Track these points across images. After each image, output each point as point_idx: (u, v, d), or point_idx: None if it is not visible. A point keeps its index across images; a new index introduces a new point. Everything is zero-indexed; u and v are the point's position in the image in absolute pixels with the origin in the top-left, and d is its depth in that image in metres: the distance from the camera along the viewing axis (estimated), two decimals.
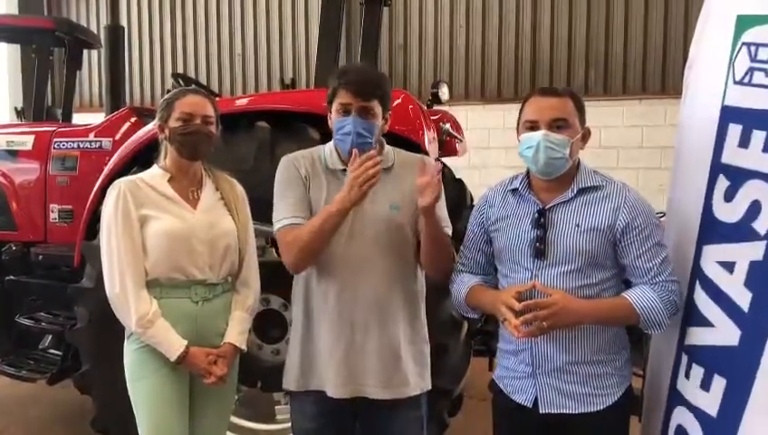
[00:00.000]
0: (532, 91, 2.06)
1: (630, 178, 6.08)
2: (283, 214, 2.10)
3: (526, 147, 1.97)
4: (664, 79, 7.08)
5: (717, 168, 2.00)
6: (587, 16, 7.36)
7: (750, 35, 1.96)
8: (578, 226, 1.96)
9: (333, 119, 2.10)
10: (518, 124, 2.05)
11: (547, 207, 2.00)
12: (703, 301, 1.98)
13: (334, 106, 2.09)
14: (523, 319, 1.85)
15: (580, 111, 2.01)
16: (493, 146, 7.35)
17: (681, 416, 2.04)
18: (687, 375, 2.03)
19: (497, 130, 7.36)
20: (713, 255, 1.97)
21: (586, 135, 2.03)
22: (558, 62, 7.50)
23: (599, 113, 6.36)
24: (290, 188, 2.13)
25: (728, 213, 1.93)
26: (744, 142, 1.91)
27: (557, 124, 1.95)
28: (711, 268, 1.97)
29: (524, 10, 7.58)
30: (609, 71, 7.31)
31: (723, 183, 1.97)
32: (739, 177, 1.91)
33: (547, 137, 1.93)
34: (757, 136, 1.88)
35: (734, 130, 1.94)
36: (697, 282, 2.01)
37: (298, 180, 2.13)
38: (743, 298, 1.86)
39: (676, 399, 2.08)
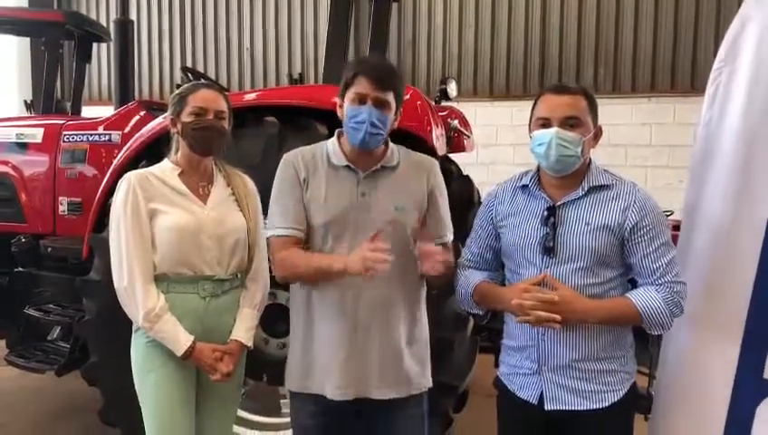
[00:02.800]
0: (546, 87, 2.06)
1: (638, 177, 6.06)
2: (277, 221, 2.12)
3: (538, 144, 1.97)
4: (673, 77, 7.05)
5: None
6: (596, 13, 7.33)
7: None
8: (588, 224, 1.96)
9: (346, 107, 2.06)
10: (530, 121, 2.05)
11: (557, 204, 2.01)
12: None
13: (349, 95, 2.05)
14: (532, 296, 1.87)
15: (593, 109, 2.01)
16: (501, 143, 7.34)
17: None
18: None
19: (505, 127, 7.35)
20: None
21: (598, 133, 2.04)
22: (567, 59, 7.47)
23: (607, 111, 6.28)
24: (285, 193, 2.12)
25: None
26: None
27: (570, 122, 1.95)
28: None
29: (534, 6, 7.56)
30: (618, 68, 7.28)
31: None
32: None
33: (559, 134, 1.93)
34: None
35: None
36: None
37: (295, 183, 2.11)
38: None
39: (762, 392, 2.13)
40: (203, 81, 3.03)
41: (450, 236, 2.18)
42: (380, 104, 2.03)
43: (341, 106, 2.10)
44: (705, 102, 2.29)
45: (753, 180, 2.14)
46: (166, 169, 2.27)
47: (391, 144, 2.18)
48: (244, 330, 2.28)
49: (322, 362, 2.12)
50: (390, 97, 2.05)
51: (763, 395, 2.13)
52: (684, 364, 2.31)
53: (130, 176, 2.21)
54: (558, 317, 1.86)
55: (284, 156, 2.18)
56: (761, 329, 2.13)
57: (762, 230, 2.12)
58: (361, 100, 2.02)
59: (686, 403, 2.29)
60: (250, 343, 2.30)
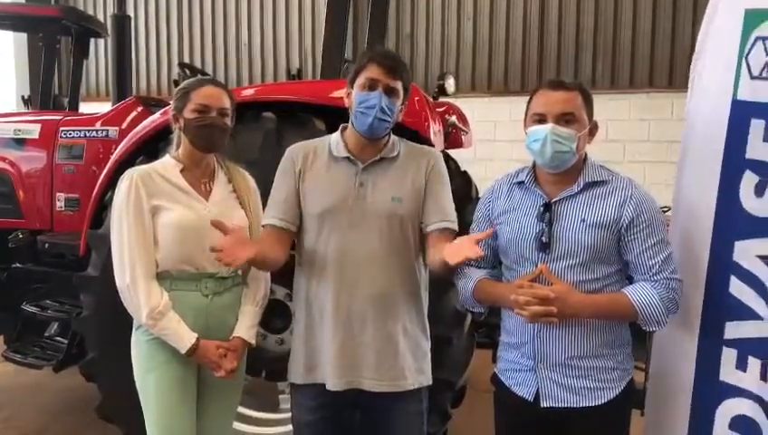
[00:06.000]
0: (541, 83, 2.05)
1: (636, 173, 6.06)
2: (269, 211, 2.17)
3: (533, 140, 1.97)
4: (671, 72, 7.04)
5: (741, 163, 1.99)
6: (594, 8, 7.32)
7: (763, 29, 1.96)
8: (584, 220, 1.96)
9: (355, 93, 2.07)
10: (525, 117, 2.05)
11: (553, 200, 2.00)
12: (748, 295, 1.98)
13: (359, 81, 2.06)
14: (525, 291, 1.87)
15: (589, 104, 2.00)
16: (499, 139, 7.34)
17: (740, 407, 2.04)
18: (744, 368, 2.03)
19: (503, 123, 7.34)
20: (753, 249, 1.97)
21: (593, 129, 2.03)
22: (565, 55, 7.46)
23: (605, 106, 6.34)
24: (280, 185, 2.16)
25: (761, 208, 1.93)
26: None
27: (565, 118, 1.94)
28: (753, 263, 1.97)
29: (532, 1, 7.55)
30: (616, 64, 7.28)
31: (752, 179, 1.97)
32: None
33: (554, 130, 1.93)
34: None
35: (758, 126, 1.94)
36: (734, 277, 2.01)
37: (290, 176, 2.14)
38: None
39: (726, 392, 2.07)
40: (205, 76, 3.01)
41: (452, 224, 2.14)
42: (390, 91, 2.05)
43: (349, 94, 2.10)
44: (687, 96, 2.29)
45: (706, 172, 2.12)
46: (168, 165, 2.26)
47: (393, 136, 2.18)
48: (246, 327, 2.27)
49: (321, 353, 2.13)
50: (399, 86, 2.07)
51: (720, 398, 2.08)
52: (665, 360, 2.30)
53: (132, 172, 2.20)
54: (554, 310, 1.86)
55: (288, 148, 2.20)
56: (714, 326, 2.08)
57: (710, 219, 2.08)
58: (372, 86, 2.04)
59: (668, 400, 2.27)
60: (252, 341, 2.29)
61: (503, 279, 2.13)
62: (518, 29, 7.64)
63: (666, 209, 2.61)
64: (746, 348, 2.01)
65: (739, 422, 2.06)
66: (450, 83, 4.09)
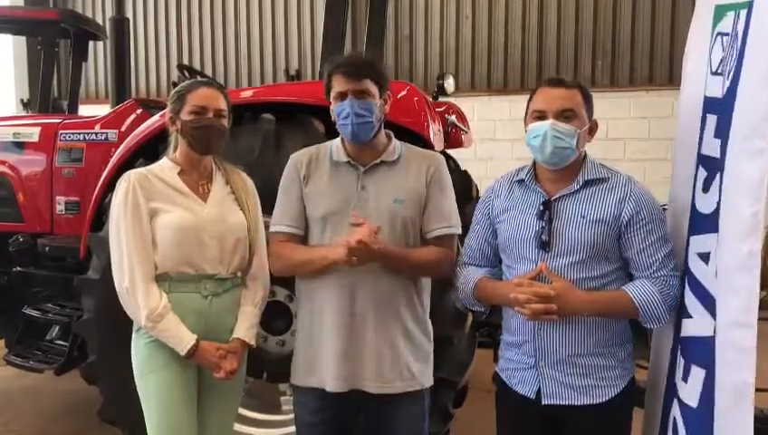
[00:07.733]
0: (541, 81, 2.07)
1: (637, 170, 6.07)
2: (276, 219, 2.22)
3: (533, 136, 1.98)
4: (671, 70, 7.05)
5: (699, 159, 2.00)
6: (594, 6, 7.33)
7: (722, 25, 1.96)
8: (583, 217, 1.96)
9: (332, 108, 2.13)
10: (526, 114, 2.06)
11: (553, 198, 2.01)
12: (687, 292, 1.97)
13: (332, 96, 2.12)
14: (525, 290, 1.87)
15: (588, 103, 2.01)
16: (499, 138, 7.34)
17: (675, 409, 2.02)
18: (678, 367, 2.02)
19: (503, 122, 7.35)
20: (694, 246, 1.97)
21: (593, 127, 2.04)
22: (565, 53, 7.47)
23: (605, 105, 6.34)
24: (285, 192, 2.21)
25: (706, 204, 1.91)
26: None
27: (565, 115, 1.95)
28: (693, 260, 1.96)
29: (531, 0, 7.55)
30: (616, 62, 7.28)
31: (702, 174, 1.96)
32: (714, 167, 1.88)
33: (554, 126, 1.94)
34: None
35: (711, 121, 1.93)
36: (688, 275, 2.00)
37: (294, 184, 2.18)
38: (715, 287, 1.82)
39: (673, 391, 2.06)
40: (201, 78, 3.01)
41: (452, 229, 2.18)
42: (359, 94, 2.07)
43: (332, 111, 2.15)
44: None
45: (684, 169, 2.11)
46: (165, 167, 2.26)
47: (395, 140, 2.21)
48: (245, 328, 2.27)
49: (322, 355, 2.13)
50: (368, 84, 2.09)
51: (671, 397, 2.06)
52: (653, 358, 2.30)
53: (130, 175, 2.21)
54: (554, 308, 1.86)
55: (291, 156, 2.24)
56: (677, 324, 2.05)
57: (682, 217, 2.08)
58: (342, 96, 2.08)
59: (652, 397, 2.27)
60: (252, 342, 2.29)
61: (503, 278, 2.13)
62: (517, 28, 7.64)
63: (666, 207, 2.61)
64: (684, 347, 1.99)
65: (673, 424, 2.03)
66: (450, 83, 4.09)
